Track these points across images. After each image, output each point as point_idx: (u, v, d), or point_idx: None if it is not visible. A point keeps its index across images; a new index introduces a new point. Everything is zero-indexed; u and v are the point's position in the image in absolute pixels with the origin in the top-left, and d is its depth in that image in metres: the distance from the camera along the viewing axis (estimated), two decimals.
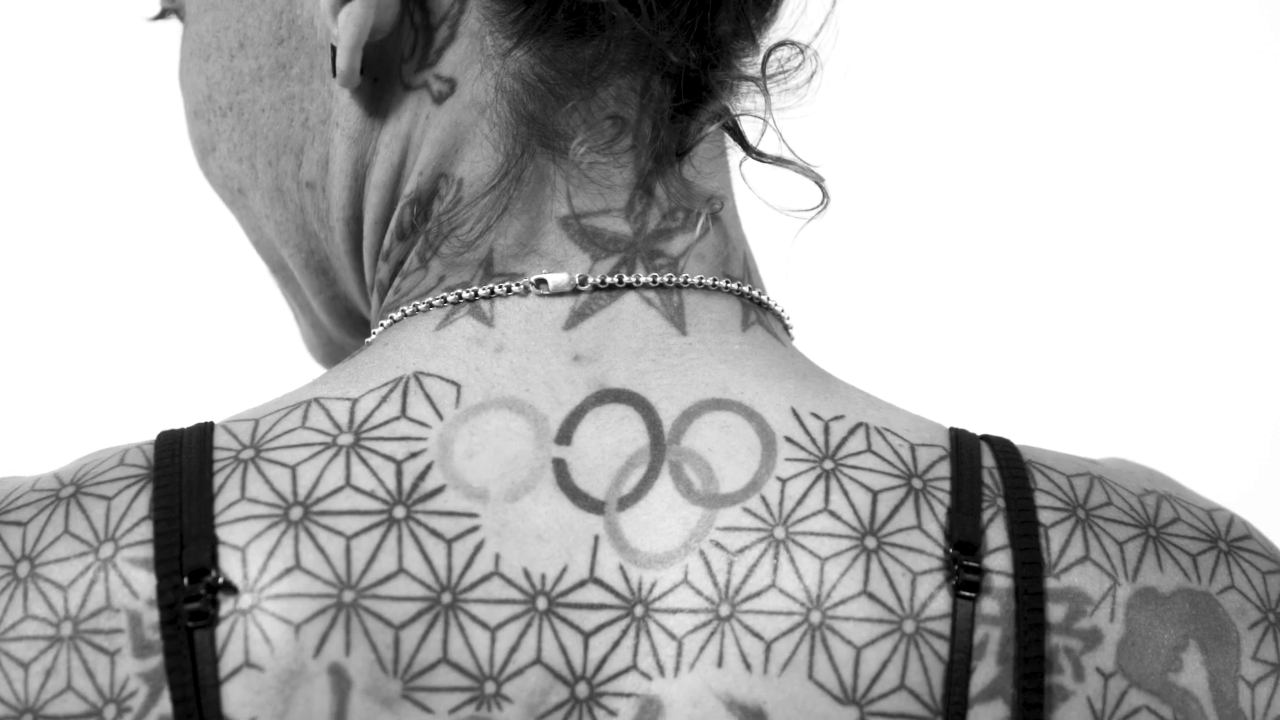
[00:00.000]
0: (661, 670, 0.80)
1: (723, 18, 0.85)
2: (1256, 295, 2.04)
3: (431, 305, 0.86)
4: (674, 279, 0.85)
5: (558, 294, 0.85)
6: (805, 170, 0.88)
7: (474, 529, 0.81)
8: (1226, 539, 0.85)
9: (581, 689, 0.80)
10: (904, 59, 1.92)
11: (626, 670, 0.80)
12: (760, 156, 0.88)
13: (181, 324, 1.93)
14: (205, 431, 0.83)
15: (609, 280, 0.85)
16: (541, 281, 0.85)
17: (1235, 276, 2.04)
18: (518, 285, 0.85)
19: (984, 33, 1.97)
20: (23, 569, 0.80)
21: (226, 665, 0.78)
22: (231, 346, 1.90)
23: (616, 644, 0.80)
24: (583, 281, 0.85)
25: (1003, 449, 0.85)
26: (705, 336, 0.85)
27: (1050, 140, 1.99)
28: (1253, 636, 0.84)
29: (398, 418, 0.83)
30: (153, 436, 0.84)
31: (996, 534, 0.83)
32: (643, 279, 0.85)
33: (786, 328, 0.90)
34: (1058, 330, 2.02)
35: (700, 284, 0.86)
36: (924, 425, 0.86)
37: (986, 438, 0.86)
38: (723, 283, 0.86)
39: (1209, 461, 1.91)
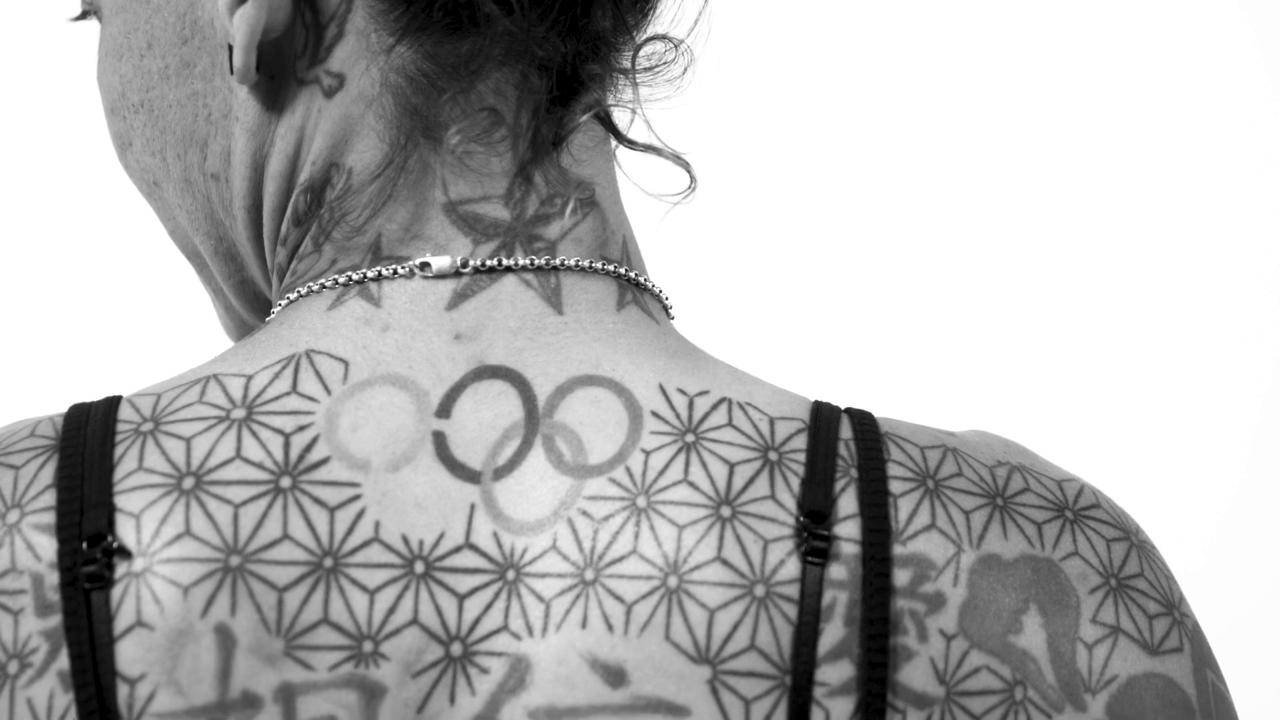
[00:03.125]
0: (530, 631, 0.86)
1: (598, 14, 0.90)
2: (1235, 294, 2.06)
3: (324, 287, 0.92)
4: (551, 261, 0.90)
5: (440, 276, 0.90)
6: (674, 157, 0.94)
7: (356, 498, 0.87)
8: (1073, 508, 0.90)
9: (456, 648, 0.86)
10: (790, 48, 1.94)
11: (498, 631, 0.86)
12: (631, 145, 0.93)
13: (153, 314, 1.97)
14: (111, 405, 0.89)
15: (489, 263, 0.90)
16: (425, 265, 0.91)
17: (1201, 276, 2.06)
18: (403, 268, 0.91)
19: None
20: None
21: (120, 624, 0.84)
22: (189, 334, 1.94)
23: (489, 606, 0.86)
24: (464, 264, 0.90)
25: (861, 421, 0.90)
26: (580, 316, 0.90)
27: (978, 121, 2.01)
28: (1093, 600, 0.88)
29: (288, 393, 0.89)
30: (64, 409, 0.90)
31: (847, 503, 0.87)
32: (521, 262, 0.90)
33: (666, 308, 0.95)
34: (1024, 324, 2.04)
35: (576, 266, 0.91)
36: (787, 399, 0.91)
37: (850, 410, 0.91)
38: (599, 265, 0.91)
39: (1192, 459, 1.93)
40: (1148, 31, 2.04)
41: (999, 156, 2.03)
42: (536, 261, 0.90)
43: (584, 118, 0.91)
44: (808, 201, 1.94)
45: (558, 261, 0.91)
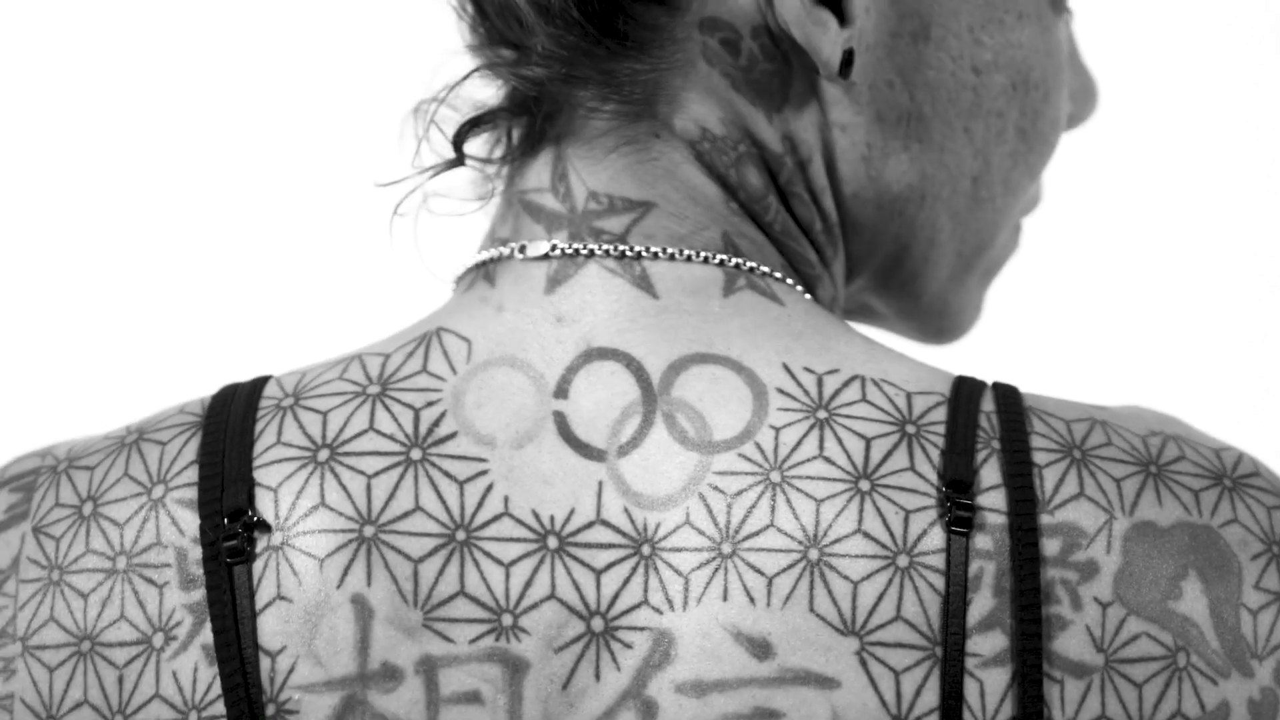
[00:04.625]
0: (671, 604, 0.85)
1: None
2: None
3: (468, 269, 0.95)
4: (631, 249, 0.91)
5: (535, 259, 0.92)
6: None
7: (484, 472, 0.87)
8: (1232, 476, 0.87)
9: (597, 623, 0.85)
10: None
11: (638, 605, 0.85)
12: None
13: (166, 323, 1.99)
14: (258, 383, 0.91)
15: (574, 247, 0.91)
16: (523, 247, 0.92)
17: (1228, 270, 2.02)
18: (507, 249, 0.92)
19: None
20: (87, 508, 0.89)
21: (261, 598, 0.85)
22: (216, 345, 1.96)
23: (627, 580, 0.85)
24: (553, 248, 0.91)
25: (1005, 394, 0.88)
26: (681, 300, 0.90)
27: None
28: (1255, 567, 0.86)
29: (420, 371, 0.90)
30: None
31: (990, 474, 0.86)
32: (599, 249, 0.91)
33: (809, 292, 0.94)
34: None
35: (661, 254, 0.91)
36: (926, 374, 0.90)
37: (995, 385, 0.89)
38: (691, 253, 0.91)
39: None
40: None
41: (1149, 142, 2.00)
42: (613, 251, 0.91)
43: (601, 118, 0.92)
44: None
45: (640, 249, 0.91)
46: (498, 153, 0.95)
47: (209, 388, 0.93)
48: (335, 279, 1.96)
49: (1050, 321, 1.97)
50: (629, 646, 0.85)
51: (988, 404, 0.88)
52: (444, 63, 0.95)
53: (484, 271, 0.93)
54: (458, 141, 0.94)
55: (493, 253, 0.93)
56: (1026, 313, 1.82)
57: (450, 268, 0.96)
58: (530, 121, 0.93)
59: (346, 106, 1.91)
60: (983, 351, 1.07)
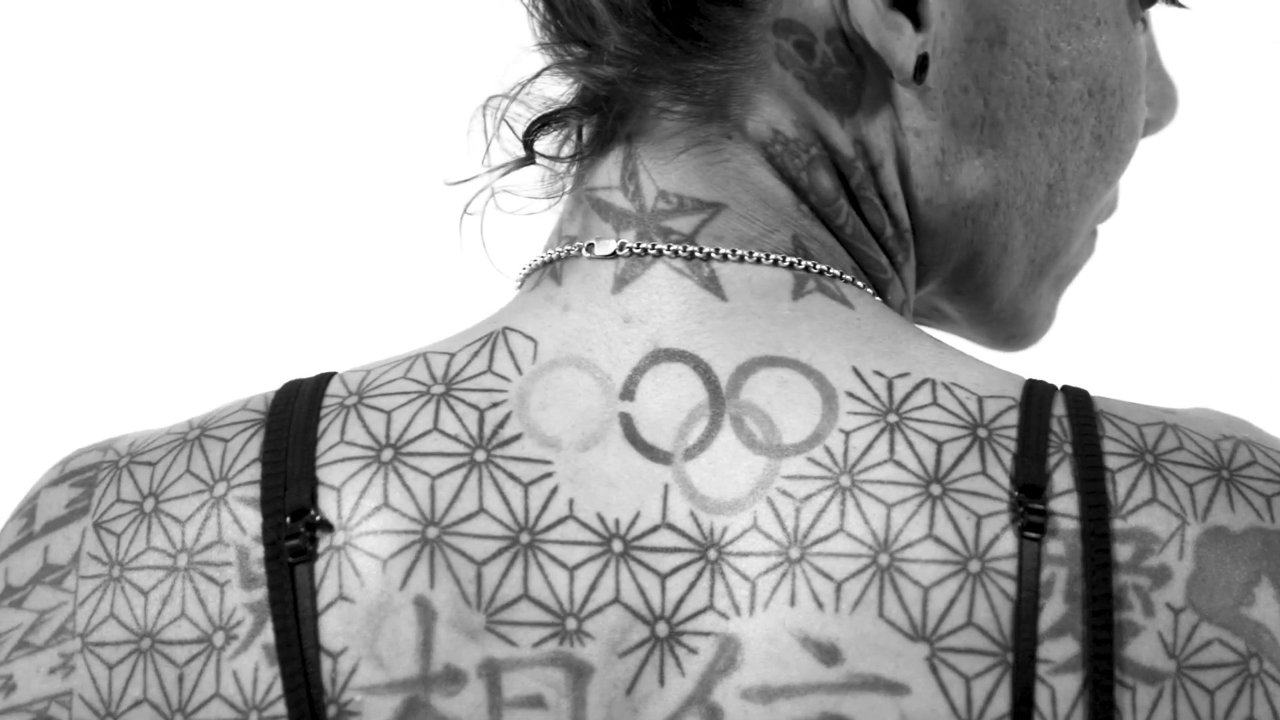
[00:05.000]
0: (737, 610, 0.84)
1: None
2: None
3: (533, 267, 0.94)
4: (700, 250, 0.90)
5: (603, 258, 0.91)
6: None
7: (548, 475, 0.86)
8: None
9: (661, 628, 0.84)
10: None
11: (704, 610, 0.84)
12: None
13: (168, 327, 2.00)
14: (322, 380, 0.91)
15: (642, 247, 0.90)
16: (590, 246, 0.91)
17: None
18: (574, 248, 0.91)
19: None
20: (148, 505, 0.88)
21: (323, 598, 0.85)
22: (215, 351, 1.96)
23: (692, 585, 0.84)
24: (621, 247, 0.90)
25: (1075, 398, 0.87)
26: (750, 303, 0.89)
27: None
28: None
29: (484, 371, 0.89)
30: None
31: (1062, 479, 0.84)
32: (666, 250, 0.90)
33: (878, 295, 0.93)
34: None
35: (730, 256, 0.90)
36: (997, 377, 0.88)
37: (1065, 388, 0.88)
38: (760, 255, 0.90)
39: None
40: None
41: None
42: (681, 251, 0.90)
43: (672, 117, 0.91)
44: None
45: (709, 250, 0.90)
46: (566, 151, 0.94)
47: (272, 383, 0.92)
48: (396, 276, 1.96)
49: (1110, 326, 1.96)
50: (694, 652, 0.84)
51: (1059, 408, 0.87)
52: (515, 60, 0.94)
53: (550, 270, 0.92)
54: (528, 139, 0.93)
55: (559, 250, 0.92)
56: (1089, 318, 1.81)
57: (513, 266, 0.96)
58: (601, 120, 0.92)
59: (413, 104, 1.91)
60: (1044, 356, 1.06)
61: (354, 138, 1.97)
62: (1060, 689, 0.82)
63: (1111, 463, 0.85)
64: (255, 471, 0.87)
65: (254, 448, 0.88)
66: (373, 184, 1.96)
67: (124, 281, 2.02)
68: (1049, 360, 1.06)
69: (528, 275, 0.94)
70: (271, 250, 2.00)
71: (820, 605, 0.83)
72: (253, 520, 0.86)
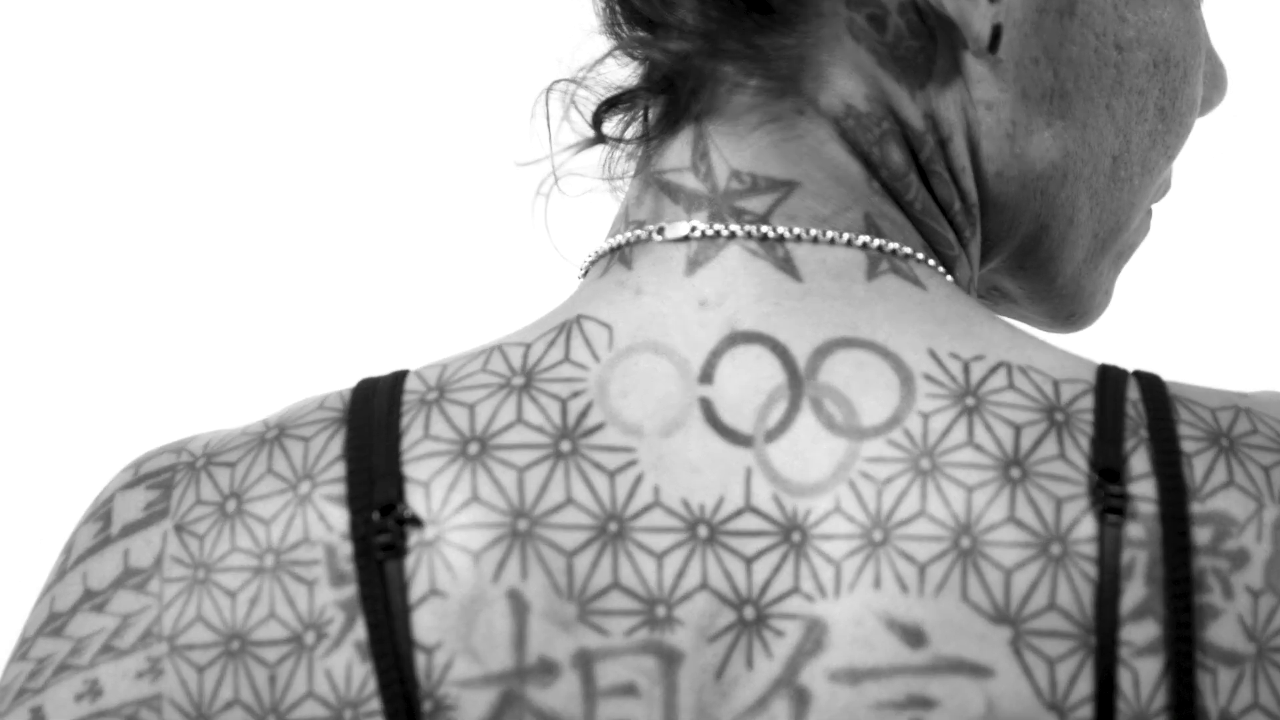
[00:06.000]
0: (823, 592, 0.85)
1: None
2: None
3: (599, 255, 0.94)
4: (773, 232, 0.90)
5: (675, 241, 0.90)
6: None
7: (633, 463, 0.86)
8: None
9: (748, 611, 0.85)
10: None
11: (789, 593, 0.85)
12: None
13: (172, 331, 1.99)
14: (398, 377, 0.90)
15: (715, 228, 0.90)
16: (662, 229, 0.91)
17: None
18: (644, 231, 0.91)
19: None
20: (230, 505, 0.87)
21: (415, 593, 0.85)
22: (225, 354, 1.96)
23: (778, 568, 0.85)
24: (693, 229, 0.90)
25: (1149, 383, 0.88)
26: (825, 284, 0.89)
27: None
28: None
29: (562, 361, 0.89)
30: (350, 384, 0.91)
31: (1139, 462, 0.86)
32: (741, 230, 0.90)
33: (949, 274, 0.94)
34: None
35: (805, 236, 0.90)
36: (1071, 362, 0.89)
37: (1137, 373, 0.89)
38: (834, 235, 0.90)
39: None
40: None
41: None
42: (755, 232, 0.90)
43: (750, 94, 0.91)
44: None
45: (783, 231, 0.90)
46: (631, 134, 0.94)
47: (332, 380, 0.92)
48: (444, 268, 1.95)
49: (1169, 308, 1.97)
50: (781, 634, 0.85)
51: (1133, 392, 0.88)
52: (581, 44, 0.93)
53: (619, 255, 0.92)
54: (597, 121, 0.92)
55: (629, 235, 0.92)
56: (1145, 299, 1.82)
57: (574, 256, 0.96)
58: (670, 99, 0.92)
59: (472, 93, 1.89)
60: (1098, 340, 1.07)
61: (407, 128, 1.96)
62: (1143, 672, 0.83)
63: (1187, 447, 0.86)
64: (339, 469, 0.87)
65: (336, 446, 0.88)
66: (424, 176, 1.95)
67: (160, 282, 2.01)
68: (1102, 345, 1.06)
69: (593, 263, 0.94)
70: (315, 244, 1.99)
71: (904, 588, 0.84)
72: (339, 518, 0.86)
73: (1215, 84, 1.04)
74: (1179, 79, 0.98)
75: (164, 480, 0.90)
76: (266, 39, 1.98)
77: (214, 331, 1.99)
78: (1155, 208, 1.05)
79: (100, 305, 2.01)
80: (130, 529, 0.89)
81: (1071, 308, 1.02)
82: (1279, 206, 2.02)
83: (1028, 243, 0.98)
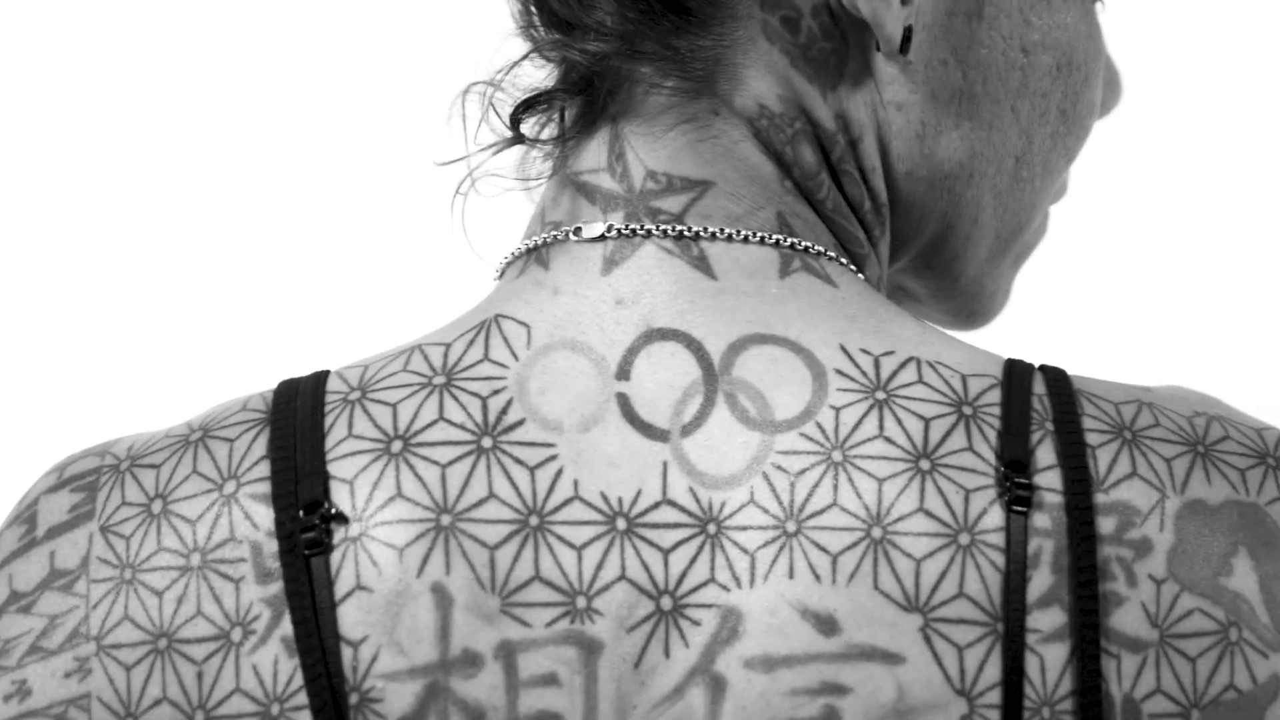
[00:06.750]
0: (738, 582, 0.87)
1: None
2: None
3: (515, 255, 0.96)
4: (689, 229, 0.92)
5: (591, 240, 0.92)
6: None
7: (553, 458, 0.88)
8: (1275, 455, 0.90)
9: (665, 602, 0.87)
10: None
11: (705, 583, 0.87)
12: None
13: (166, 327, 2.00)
14: (320, 379, 0.91)
15: (630, 228, 0.92)
16: (578, 229, 0.92)
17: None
18: (560, 232, 0.93)
19: None
20: (156, 506, 0.89)
21: (340, 589, 0.86)
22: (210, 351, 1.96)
23: (694, 559, 0.87)
24: (609, 229, 0.92)
25: (1054, 377, 0.90)
26: (739, 281, 0.92)
27: None
28: None
29: (482, 360, 0.91)
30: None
31: (1045, 454, 0.88)
32: (655, 230, 0.92)
33: (859, 272, 0.96)
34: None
35: (719, 235, 0.92)
36: (979, 356, 0.92)
37: (1043, 368, 0.91)
38: (748, 233, 0.92)
39: None
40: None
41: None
42: (671, 231, 0.92)
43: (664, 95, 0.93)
44: None
45: (697, 230, 0.92)
46: (546, 134, 0.95)
47: (248, 380, 0.93)
48: (363, 268, 1.95)
49: (1065, 306, 2.00)
50: (697, 624, 0.86)
51: (1038, 386, 0.90)
52: (498, 46, 0.95)
53: (536, 255, 0.94)
54: (514, 121, 0.94)
55: (546, 235, 0.93)
56: (1045, 298, 1.84)
57: (490, 256, 0.97)
58: (587, 100, 0.93)
59: (390, 94, 1.89)
60: (999, 336, 1.10)
61: (324, 130, 1.96)
62: (1049, 658, 0.86)
63: (1092, 439, 0.88)
64: (264, 469, 0.88)
65: (260, 446, 0.89)
66: (340, 177, 1.95)
67: (87, 281, 2.00)
68: (1011, 340, 1.09)
69: (510, 264, 0.95)
70: (239, 243, 1.99)
71: (818, 577, 0.86)
72: (265, 516, 0.87)
73: (1112, 88, 1.07)
74: (1080, 82, 1.01)
75: (89, 483, 0.91)
76: (179, 37, 1.98)
77: (130, 337, 1.98)
78: (1053, 209, 1.08)
79: (15, 311, 2.00)
80: (56, 531, 0.90)
81: (973, 306, 1.05)
82: (1175, 208, 2.05)
83: (934, 242, 1.01)
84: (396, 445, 0.88)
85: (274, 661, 0.86)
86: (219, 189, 1.98)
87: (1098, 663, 0.86)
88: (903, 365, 0.90)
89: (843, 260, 0.94)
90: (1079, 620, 0.86)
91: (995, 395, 0.89)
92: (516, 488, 0.87)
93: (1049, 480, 0.87)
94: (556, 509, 0.87)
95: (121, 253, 1.99)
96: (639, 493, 0.88)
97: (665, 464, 0.88)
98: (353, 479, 0.87)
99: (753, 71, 0.93)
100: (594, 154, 0.94)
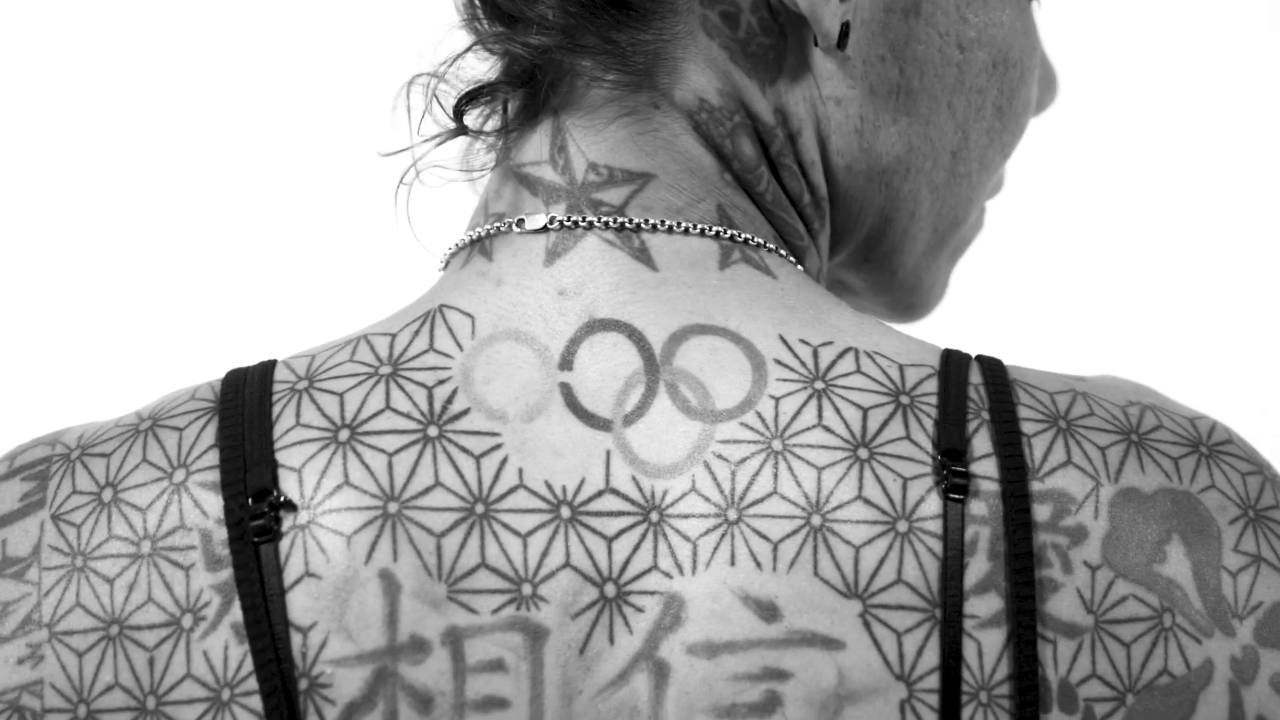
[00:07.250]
0: (680, 569, 0.88)
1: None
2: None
3: (460, 246, 0.96)
4: (629, 222, 0.93)
5: (533, 232, 0.93)
6: None
7: (498, 446, 0.89)
8: (1207, 443, 0.92)
9: (609, 589, 0.88)
10: None
11: (648, 570, 0.88)
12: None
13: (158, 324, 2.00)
14: (268, 368, 0.92)
15: (572, 220, 0.93)
16: (521, 221, 0.94)
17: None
18: (503, 224, 0.94)
19: None
20: (106, 495, 0.89)
21: (290, 575, 0.87)
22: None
23: (637, 547, 0.88)
24: (551, 221, 0.93)
25: (990, 367, 0.92)
26: (679, 273, 0.93)
27: None
28: (1233, 531, 0.90)
29: (427, 350, 0.92)
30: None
31: (981, 443, 0.89)
32: (597, 222, 0.93)
33: (799, 264, 0.97)
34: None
35: (659, 227, 0.93)
36: (916, 347, 0.93)
37: (979, 358, 0.93)
38: (688, 225, 0.94)
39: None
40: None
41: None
42: (612, 223, 0.93)
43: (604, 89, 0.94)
44: None
45: (639, 221, 0.93)
46: (490, 127, 0.96)
47: (194, 369, 0.94)
48: (308, 258, 1.95)
49: (1002, 299, 2.01)
50: (640, 610, 0.88)
51: (975, 376, 0.91)
52: (441, 39, 0.96)
53: (480, 247, 0.95)
54: (458, 113, 0.95)
55: (489, 227, 0.94)
56: (987, 291, 1.86)
57: (434, 247, 0.98)
58: (530, 93, 0.94)
59: (331, 87, 1.90)
60: (939, 327, 1.11)
61: (269, 122, 1.95)
62: (986, 643, 0.87)
63: (1027, 428, 0.90)
64: (213, 457, 0.89)
65: (209, 435, 0.90)
66: (285, 168, 1.95)
67: (34, 274, 2.00)
68: (947, 330, 1.10)
69: (453, 255, 0.96)
70: (182, 234, 1.99)
71: (759, 564, 0.87)
72: (214, 504, 0.88)
73: (1047, 86, 1.09)
74: (1016, 79, 1.02)
75: (39, 472, 0.91)
76: (121, 35, 1.98)
77: (74, 327, 1.98)
78: (989, 204, 1.10)
79: None
80: (7, 519, 0.90)
81: (911, 299, 1.07)
82: (1111, 201, 2.07)
83: (873, 235, 1.02)
84: (344, 434, 0.89)
85: (224, 647, 0.87)
86: (161, 180, 1.98)
87: (1034, 648, 0.87)
88: (841, 355, 0.92)
89: (782, 252, 0.96)
90: (1015, 606, 0.87)
91: (932, 385, 0.91)
92: (462, 476, 0.88)
93: (985, 469, 0.89)
94: (502, 497, 0.88)
95: (67, 246, 1.99)
96: (582, 481, 0.89)
97: (608, 453, 0.89)
98: (301, 467, 0.88)
99: (692, 65, 0.94)
100: (536, 146, 0.95)
